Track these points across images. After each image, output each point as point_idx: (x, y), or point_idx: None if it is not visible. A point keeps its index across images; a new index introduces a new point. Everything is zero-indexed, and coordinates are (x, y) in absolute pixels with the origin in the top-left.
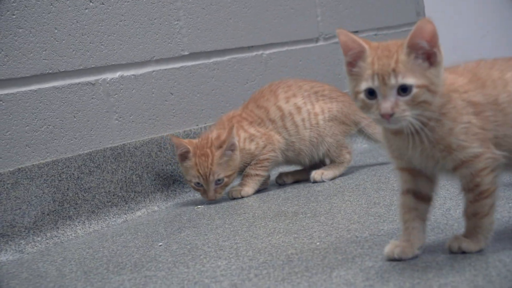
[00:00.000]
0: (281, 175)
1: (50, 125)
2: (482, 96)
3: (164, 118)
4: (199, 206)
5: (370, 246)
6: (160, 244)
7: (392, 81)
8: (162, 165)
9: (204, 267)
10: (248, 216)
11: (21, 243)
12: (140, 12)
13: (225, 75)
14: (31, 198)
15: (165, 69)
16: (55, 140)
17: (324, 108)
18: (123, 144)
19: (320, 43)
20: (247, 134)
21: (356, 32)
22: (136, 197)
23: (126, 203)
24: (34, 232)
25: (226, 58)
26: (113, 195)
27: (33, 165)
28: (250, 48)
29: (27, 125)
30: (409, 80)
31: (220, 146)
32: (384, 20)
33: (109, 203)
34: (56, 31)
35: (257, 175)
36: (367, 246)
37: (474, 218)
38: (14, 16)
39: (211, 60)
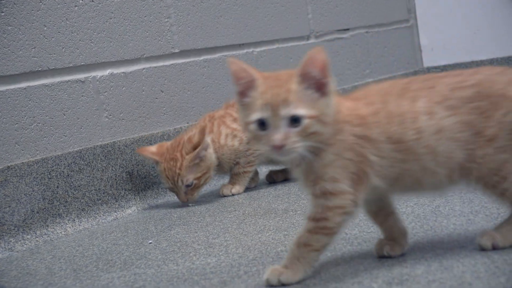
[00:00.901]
0: (271, 173)
1: (39, 123)
2: (381, 134)
3: (155, 116)
4: (191, 204)
5: (360, 243)
6: (150, 241)
7: (283, 111)
8: (152, 163)
9: (193, 264)
10: (238, 213)
11: (10, 241)
12: (130, 10)
13: (215, 73)
14: (21, 196)
15: (155, 67)
16: (44, 138)
17: None
18: (113, 141)
19: (311, 40)
20: (229, 129)
21: (347, 30)
22: (126, 194)
23: (116, 201)
24: (23, 230)
25: (216, 55)
26: (103, 193)
27: (23, 163)
28: (241, 45)
29: (16, 123)
30: (300, 111)
31: (193, 149)
32: (375, 18)
33: (99, 201)
34: (45, 28)
35: (245, 172)
36: (356, 243)
37: (304, 248)
38: (3, 14)
39: (202, 58)
